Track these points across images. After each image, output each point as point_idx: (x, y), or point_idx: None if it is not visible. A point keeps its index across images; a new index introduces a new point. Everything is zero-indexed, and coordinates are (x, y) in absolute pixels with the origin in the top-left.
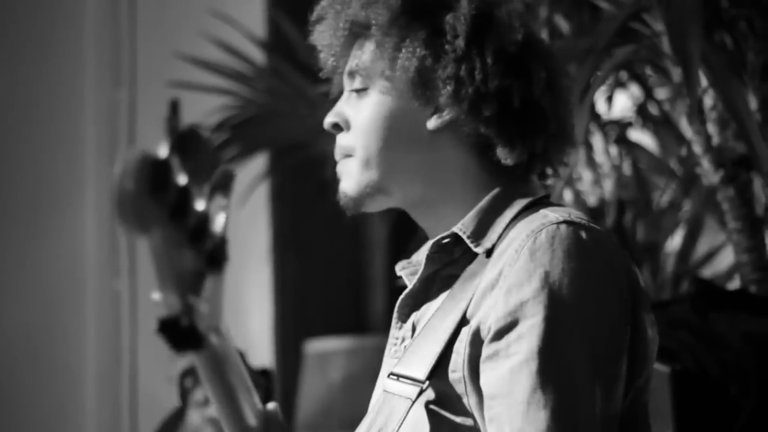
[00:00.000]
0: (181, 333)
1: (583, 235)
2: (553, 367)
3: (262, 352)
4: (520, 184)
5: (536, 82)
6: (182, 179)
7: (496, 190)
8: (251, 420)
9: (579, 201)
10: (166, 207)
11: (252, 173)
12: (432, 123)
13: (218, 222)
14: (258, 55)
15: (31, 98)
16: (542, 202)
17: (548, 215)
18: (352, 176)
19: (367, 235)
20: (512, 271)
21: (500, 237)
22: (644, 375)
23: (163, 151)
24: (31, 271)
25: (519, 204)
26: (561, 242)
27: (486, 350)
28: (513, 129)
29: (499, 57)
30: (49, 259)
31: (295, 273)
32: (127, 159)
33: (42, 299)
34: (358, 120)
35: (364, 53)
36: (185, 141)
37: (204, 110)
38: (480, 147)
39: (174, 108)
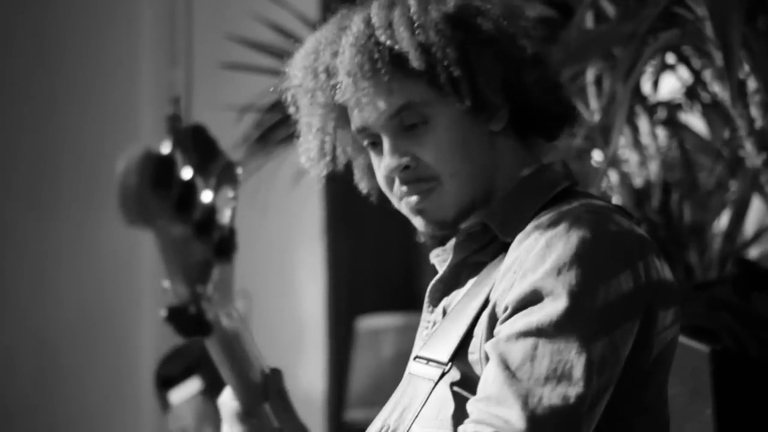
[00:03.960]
0: (189, 320)
1: (601, 225)
2: (549, 343)
3: (315, 329)
4: (550, 170)
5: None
6: (186, 173)
7: (525, 177)
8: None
9: (625, 183)
10: (170, 201)
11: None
12: (496, 125)
13: (226, 213)
14: None
15: (87, 79)
16: (568, 190)
17: (570, 204)
18: (444, 204)
19: None
20: (529, 257)
21: (526, 225)
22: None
23: (166, 146)
24: (89, 252)
25: (546, 193)
26: (577, 231)
27: (498, 328)
28: (553, 108)
29: (519, 44)
30: (106, 240)
31: (348, 251)
32: (130, 155)
33: (98, 279)
34: (435, 150)
35: (410, 87)
36: (189, 137)
37: (257, 91)
38: (517, 133)
39: (176, 105)
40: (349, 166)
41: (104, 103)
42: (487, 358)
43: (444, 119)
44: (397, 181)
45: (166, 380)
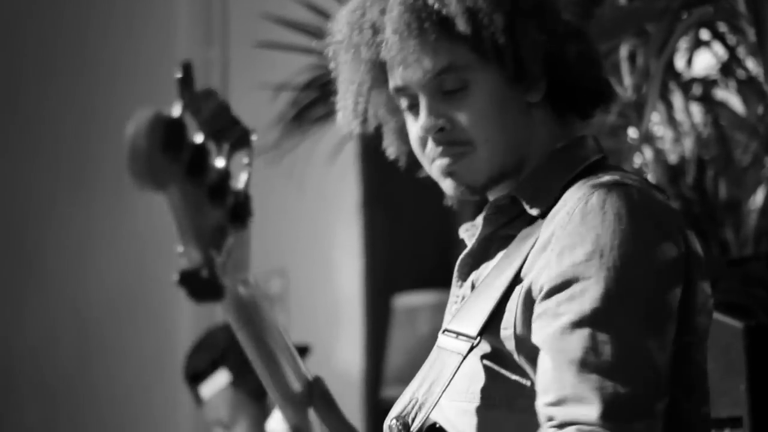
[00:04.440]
0: (201, 284)
1: (635, 197)
2: (605, 328)
3: (352, 307)
4: (580, 144)
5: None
6: (198, 138)
7: (555, 150)
8: (294, 384)
9: (659, 159)
10: (181, 165)
11: (341, 132)
12: (534, 96)
13: (241, 179)
14: None
15: (125, 60)
16: (599, 164)
17: (601, 178)
18: (474, 169)
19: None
20: (564, 233)
21: (556, 200)
22: (693, 337)
23: (176, 109)
24: (128, 231)
25: (575, 166)
26: (612, 205)
27: (537, 309)
28: (591, 84)
29: (563, 18)
30: (146, 219)
31: (384, 229)
32: (140, 118)
33: (138, 258)
34: (472, 115)
35: (453, 49)
36: (201, 102)
37: (293, 70)
38: (553, 107)
39: (186, 69)
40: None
41: (142, 84)
42: (524, 338)
43: (483, 85)
44: (430, 143)
45: (195, 375)
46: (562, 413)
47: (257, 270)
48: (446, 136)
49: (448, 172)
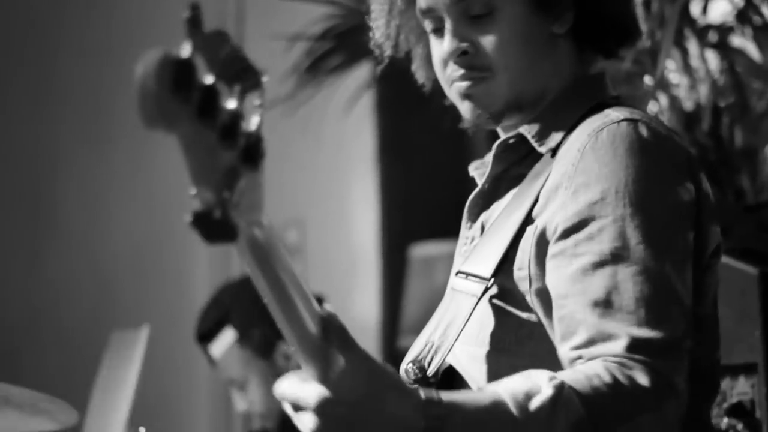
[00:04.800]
0: (214, 225)
1: (644, 132)
2: (626, 266)
3: (368, 257)
4: (590, 81)
5: None
6: (208, 79)
7: (566, 87)
8: (311, 327)
9: (674, 106)
10: (191, 105)
11: (356, 82)
12: (559, 27)
13: (252, 120)
14: None
15: (139, 9)
16: (609, 103)
17: (610, 114)
18: (492, 94)
19: (469, 139)
20: (576, 171)
21: (565, 137)
22: (704, 280)
23: (185, 50)
24: (143, 184)
25: (584, 104)
26: (623, 140)
27: (552, 249)
28: (619, 21)
29: None
30: (161, 172)
31: (400, 179)
32: (148, 59)
33: (153, 211)
34: (495, 41)
35: None
36: (211, 43)
37: (308, 19)
38: (577, 42)
39: (194, 10)
40: (401, 94)
41: (156, 34)
42: (538, 278)
43: (510, 12)
44: (451, 65)
45: (204, 335)
46: (589, 353)
47: (273, 221)
48: (468, 60)
49: (467, 95)
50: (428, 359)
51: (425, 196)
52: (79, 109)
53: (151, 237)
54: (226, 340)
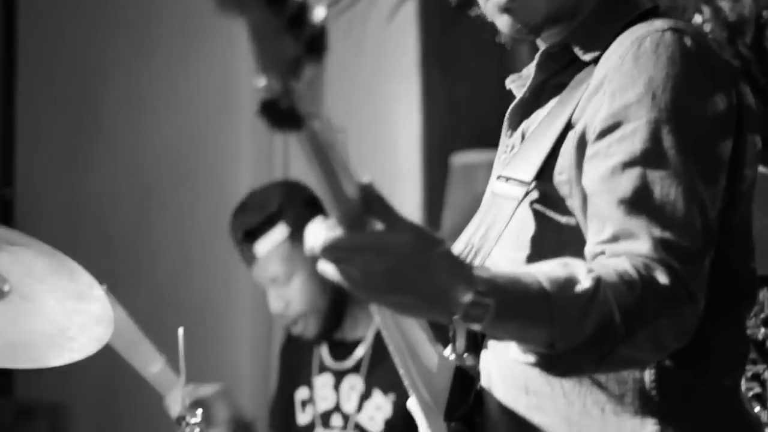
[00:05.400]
0: (281, 114)
1: (688, 42)
2: (656, 169)
3: (410, 165)
4: None
5: None
6: None
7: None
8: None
9: (718, 18)
10: None
11: None
12: None
13: (318, 12)
14: None
15: None
16: (651, 12)
17: (655, 23)
18: (532, 8)
19: (512, 49)
20: (616, 76)
21: (608, 45)
22: (740, 190)
23: None
24: (188, 91)
25: (629, 13)
26: (666, 48)
27: (588, 151)
28: None
29: None
30: (206, 79)
31: (444, 87)
32: None
33: (197, 119)
34: None
35: None
36: None
37: None
38: None
39: None
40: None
41: None
42: (578, 182)
43: None
44: None
45: (248, 233)
46: (612, 248)
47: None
48: None
49: (505, 9)
50: (468, 261)
51: (468, 105)
52: (124, 16)
53: (193, 141)
54: (275, 236)
